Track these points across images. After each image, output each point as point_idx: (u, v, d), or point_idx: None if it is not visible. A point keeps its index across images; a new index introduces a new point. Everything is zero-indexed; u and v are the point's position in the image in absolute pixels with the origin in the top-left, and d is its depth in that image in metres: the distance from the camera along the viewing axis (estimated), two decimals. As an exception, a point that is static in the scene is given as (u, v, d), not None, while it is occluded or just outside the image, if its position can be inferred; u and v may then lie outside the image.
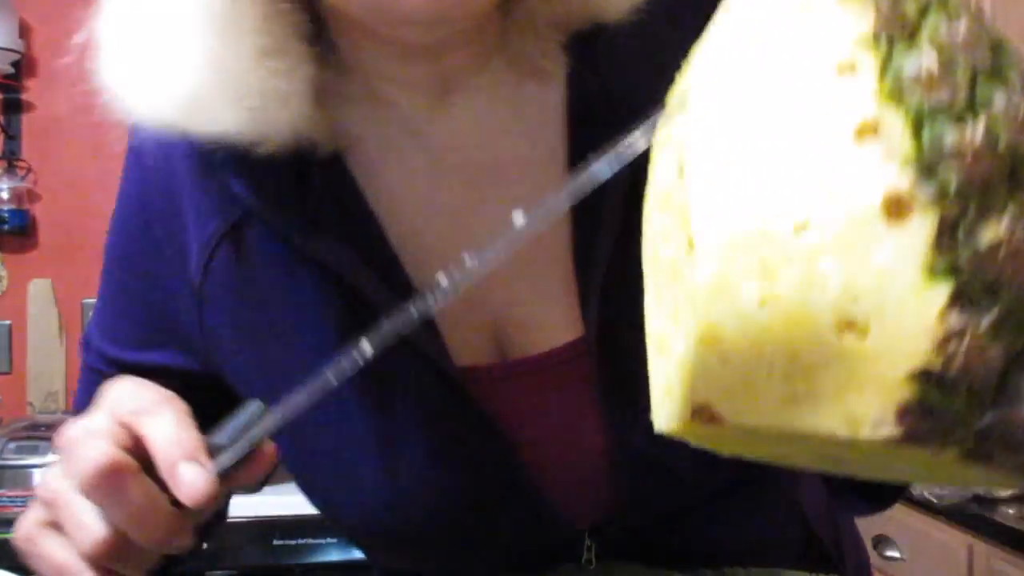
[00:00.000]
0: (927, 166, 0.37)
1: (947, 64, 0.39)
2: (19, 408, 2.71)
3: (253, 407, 0.46)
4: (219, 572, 0.98)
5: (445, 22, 0.49)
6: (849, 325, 0.37)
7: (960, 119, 0.38)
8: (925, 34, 0.40)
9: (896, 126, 0.38)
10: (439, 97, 0.56)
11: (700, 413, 0.40)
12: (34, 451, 1.79)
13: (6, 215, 2.67)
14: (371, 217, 0.56)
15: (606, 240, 0.54)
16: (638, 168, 0.43)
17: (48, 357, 2.69)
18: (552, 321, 0.57)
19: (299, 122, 0.51)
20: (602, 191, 0.51)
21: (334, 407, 0.57)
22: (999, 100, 0.39)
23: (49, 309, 2.71)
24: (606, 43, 0.56)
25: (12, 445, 1.83)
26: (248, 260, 0.57)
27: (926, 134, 0.38)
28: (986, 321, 0.35)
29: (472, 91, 0.56)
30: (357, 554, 0.70)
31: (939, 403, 0.35)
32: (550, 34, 0.55)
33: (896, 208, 0.37)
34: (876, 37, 0.40)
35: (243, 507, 1.57)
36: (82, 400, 0.67)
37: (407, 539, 0.59)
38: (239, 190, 0.55)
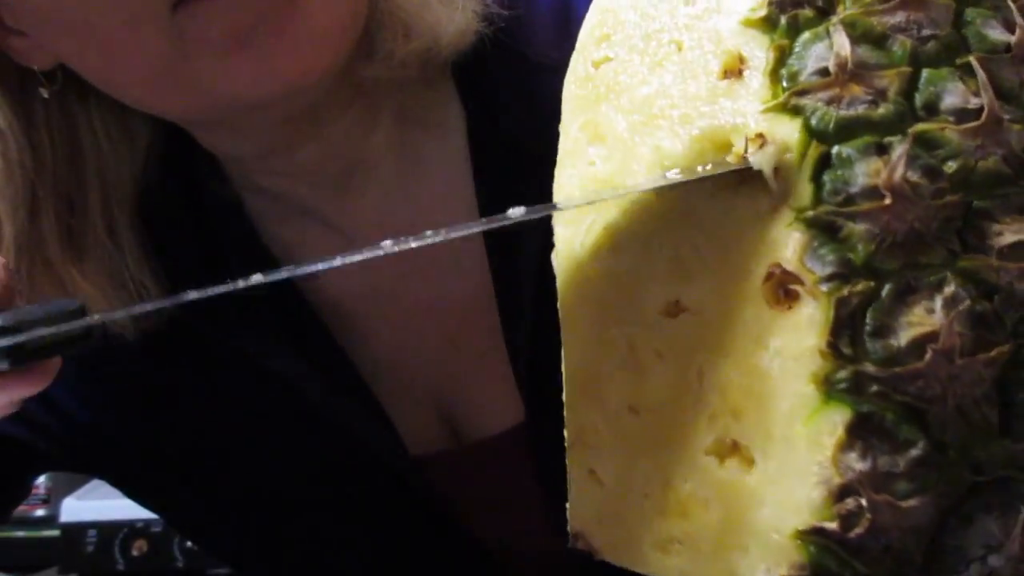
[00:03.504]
0: (825, 226, 0.25)
1: (871, 54, 0.27)
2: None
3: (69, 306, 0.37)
4: (220, 571, 1.00)
5: (294, 93, 0.42)
6: (732, 449, 0.27)
7: (882, 143, 0.26)
8: (842, 8, 0.27)
9: (788, 149, 0.26)
10: (343, 179, 0.50)
11: (578, 539, 0.32)
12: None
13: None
14: (304, 304, 0.52)
15: (528, 321, 0.49)
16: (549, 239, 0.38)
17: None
18: (498, 404, 0.52)
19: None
20: (518, 268, 0.48)
21: (287, 503, 0.54)
22: (952, 97, 0.27)
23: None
24: (491, 77, 0.50)
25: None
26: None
27: (828, 176, 0.26)
28: (904, 463, 0.24)
29: (373, 164, 0.51)
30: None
31: (841, 573, 0.25)
32: (424, 80, 0.49)
33: (781, 287, 0.26)
34: (772, 18, 0.28)
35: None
36: None
37: None
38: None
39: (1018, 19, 0.28)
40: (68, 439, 0.55)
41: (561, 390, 0.34)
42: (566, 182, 0.33)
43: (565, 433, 0.33)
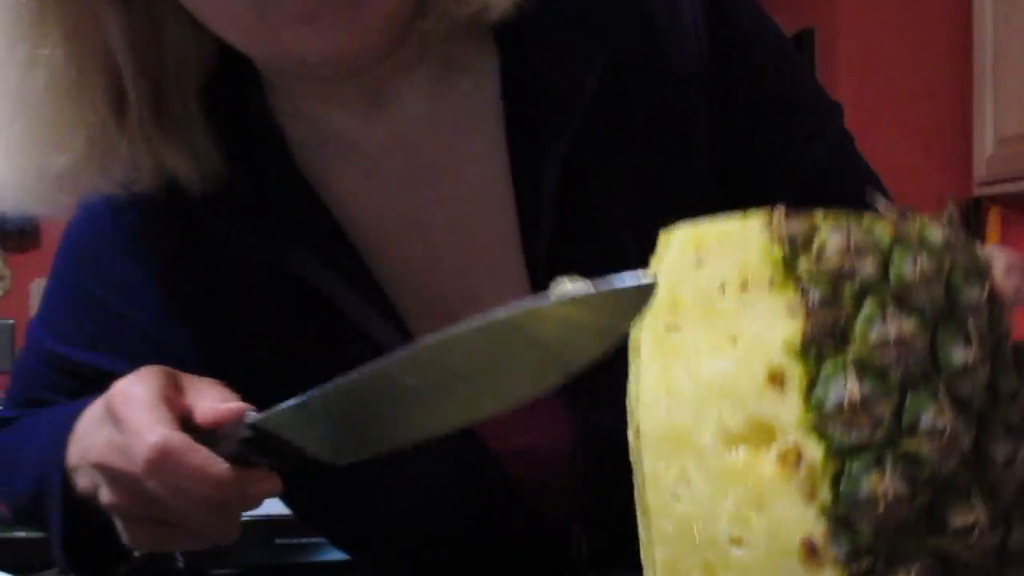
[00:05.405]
0: (841, 519, 0.39)
1: (873, 385, 0.39)
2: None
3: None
4: (221, 571, 1.08)
5: (344, 62, 0.50)
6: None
7: (879, 458, 0.39)
8: (853, 346, 0.39)
9: (815, 465, 0.39)
10: (372, 108, 0.58)
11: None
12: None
13: (9, 215, 2.56)
14: (332, 221, 0.58)
15: (546, 232, 0.55)
16: (569, 166, 0.51)
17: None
18: None
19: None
20: (539, 188, 0.55)
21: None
22: (926, 419, 0.39)
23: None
24: (530, 32, 0.57)
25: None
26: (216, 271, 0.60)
27: (843, 483, 0.39)
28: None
29: (405, 96, 0.58)
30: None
31: None
32: (469, 32, 0.56)
33: (812, 555, 0.39)
34: (805, 348, 0.40)
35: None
36: (15, 391, 0.68)
37: (401, 545, 0.63)
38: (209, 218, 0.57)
39: (974, 338, 0.40)
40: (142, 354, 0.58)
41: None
42: (645, 417, 0.45)
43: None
